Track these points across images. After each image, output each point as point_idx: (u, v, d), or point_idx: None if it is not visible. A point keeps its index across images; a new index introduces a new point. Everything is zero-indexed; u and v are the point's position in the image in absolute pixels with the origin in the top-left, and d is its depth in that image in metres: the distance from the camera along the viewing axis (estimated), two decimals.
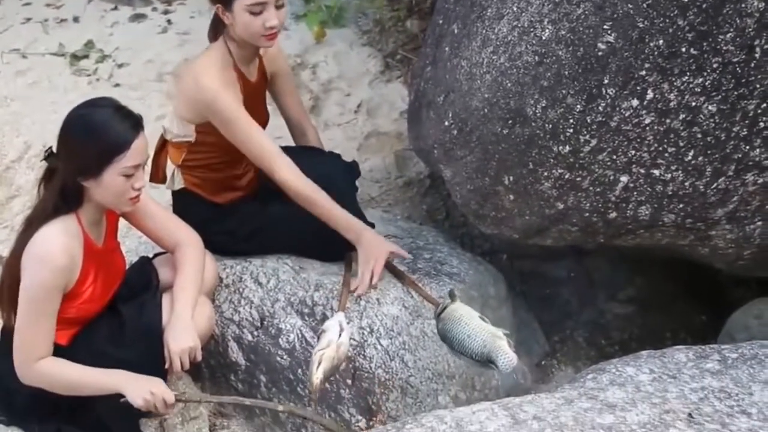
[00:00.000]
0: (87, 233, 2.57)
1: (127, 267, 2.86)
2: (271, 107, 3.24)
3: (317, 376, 2.51)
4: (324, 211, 2.93)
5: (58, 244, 2.47)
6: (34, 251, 2.48)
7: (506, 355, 2.40)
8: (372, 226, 3.07)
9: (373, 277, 2.88)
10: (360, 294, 2.90)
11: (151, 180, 3.14)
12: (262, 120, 3.12)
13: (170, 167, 3.07)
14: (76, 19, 5.14)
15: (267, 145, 2.92)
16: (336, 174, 3.17)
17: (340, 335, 2.58)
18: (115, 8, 5.25)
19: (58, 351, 2.58)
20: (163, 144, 3.10)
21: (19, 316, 2.53)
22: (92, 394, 2.59)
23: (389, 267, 3.02)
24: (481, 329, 2.48)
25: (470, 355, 2.49)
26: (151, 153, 3.08)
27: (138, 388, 2.53)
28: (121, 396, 2.54)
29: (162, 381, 2.59)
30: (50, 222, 2.49)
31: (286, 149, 3.28)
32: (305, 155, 3.21)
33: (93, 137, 2.44)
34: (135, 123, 2.48)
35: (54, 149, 2.51)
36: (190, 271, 2.75)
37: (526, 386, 3.14)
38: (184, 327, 2.63)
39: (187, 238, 2.81)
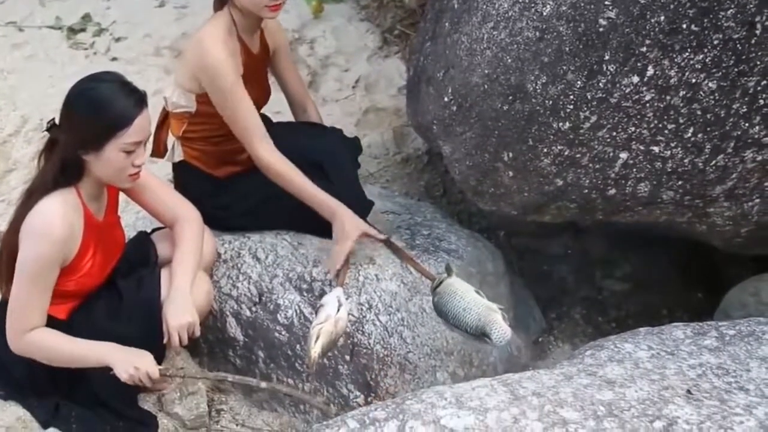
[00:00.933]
0: (87, 206, 2.56)
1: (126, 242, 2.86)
2: (272, 83, 3.23)
3: (315, 350, 2.51)
4: (298, 189, 2.93)
5: (57, 216, 2.46)
6: (32, 223, 2.47)
7: (500, 328, 2.42)
8: (371, 203, 3.07)
9: (341, 258, 2.87)
10: (330, 273, 2.89)
11: (153, 154, 3.13)
12: (264, 93, 3.12)
13: (171, 139, 3.07)
14: None
15: (252, 121, 2.91)
16: (338, 150, 3.16)
17: (338, 310, 2.59)
18: None
19: (57, 325, 2.58)
20: (164, 118, 3.09)
21: (14, 286, 2.52)
22: (81, 366, 2.59)
23: (386, 243, 3.02)
24: (477, 303, 2.49)
25: (465, 329, 2.50)
26: (153, 127, 3.11)
27: (124, 362, 2.54)
28: (111, 369, 2.55)
29: (150, 355, 2.59)
30: (50, 194, 2.48)
31: (287, 125, 3.28)
32: (306, 131, 3.21)
33: (96, 111, 2.43)
34: (139, 99, 2.46)
35: (56, 121, 2.50)
36: (189, 245, 2.75)
37: (521, 361, 3.16)
38: (182, 302, 2.63)
39: (186, 213, 2.80)
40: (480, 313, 2.46)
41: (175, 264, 2.71)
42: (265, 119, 3.26)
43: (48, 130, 2.52)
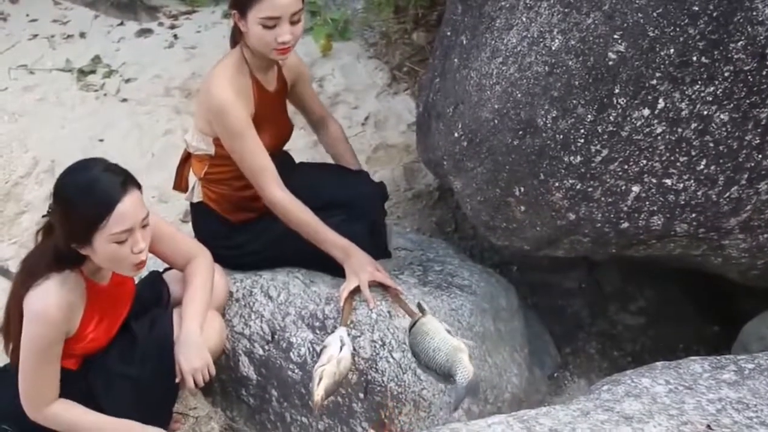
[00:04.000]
0: (90, 279, 2.53)
1: (137, 282, 2.84)
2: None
3: (318, 392, 2.49)
4: (309, 229, 2.92)
5: (53, 300, 2.42)
6: (31, 307, 2.43)
7: (464, 368, 2.36)
8: (389, 254, 3.11)
9: (343, 295, 2.87)
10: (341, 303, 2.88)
11: (174, 188, 3.18)
12: (283, 130, 3.12)
13: (192, 179, 3.08)
14: (82, 35, 5.16)
15: (259, 161, 2.90)
16: (365, 192, 3.13)
17: (341, 350, 2.57)
18: (122, 23, 5.28)
19: (69, 375, 2.57)
20: (187, 156, 3.10)
21: (21, 365, 2.51)
22: None
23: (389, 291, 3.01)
24: (445, 342, 2.44)
25: (435, 369, 2.46)
26: (177, 162, 3.16)
27: None
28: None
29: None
30: (51, 277, 2.43)
31: (312, 165, 3.29)
32: (333, 171, 3.19)
33: (77, 202, 2.34)
34: (122, 183, 2.35)
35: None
36: (199, 284, 2.73)
37: (530, 391, 3.12)
38: (194, 345, 2.61)
39: (196, 253, 2.79)
40: (448, 353, 2.41)
41: (186, 303, 2.70)
42: (288, 159, 3.28)
43: (48, 215, 2.46)
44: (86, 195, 2.33)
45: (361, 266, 2.88)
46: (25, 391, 2.53)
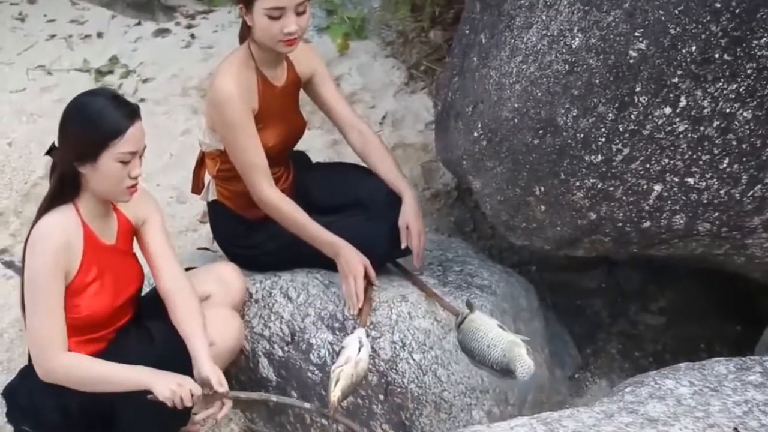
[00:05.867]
0: (87, 224, 2.57)
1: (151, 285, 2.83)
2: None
3: (335, 393, 2.49)
4: (299, 227, 2.92)
5: (52, 228, 2.51)
6: (31, 240, 2.51)
7: (524, 362, 2.37)
8: (387, 258, 3.07)
9: (359, 295, 2.85)
10: (353, 311, 2.87)
11: (192, 191, 3.21)
12: (293, 127, 3.09)
13: (207, 178, 3.08)
14: (100, 35, 5.16)
15: (252, 157, 2.88)
16: (385, 196, 3.04)
17: (359, 351, 2.56)
18: (139, 23, 5.28)
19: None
20: (202, 157, 3.10)
21: (27, 312, 2.52)
22: (117, 390, 2.53)
23: (409, 277, 3.01)
24: (501, 338, 2.45)
25: (491, 365, 2.46)
26: (194, 162, 3.16)
27: (165, 381, 2.49)
28: (147, 394, 2.50)
29: (190, 378, 2.54)
30: (48, 213, 2.53)
31: (329, 164, 3.25)
32: (351, 170, 3.17)
33: (89, 123, 2.48)
34: (131, 111, 2.51)
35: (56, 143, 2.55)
36: (193, 313, 2.66)
37: (551, 392, 3.10)
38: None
39: (180, 285, 2.70)
40: (504, 348, 2.43)
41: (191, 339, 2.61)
42: (304, 158, 3.26)
43: (49, 153, 2.57)
44: (102, 115, 2.48)
45: (349, 264, 2.87)
46: (32, 342, 2.53)
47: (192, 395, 2.49)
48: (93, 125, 2.47)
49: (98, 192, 2.55)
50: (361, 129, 3.12)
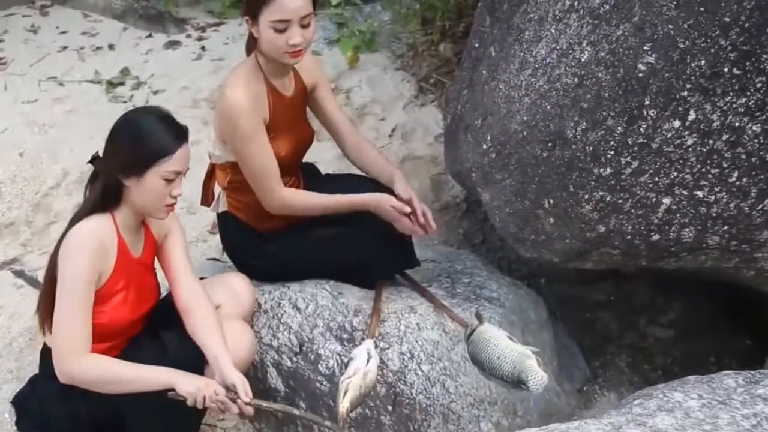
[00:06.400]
0: (122, 235, 2.61)
1: (165, 294, 2.84)
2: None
3: (343, 405, 2.49)
4: (323, 206, 3.00)
5: (93, 230, 2.55)
6: (67, 243, 2.54)
7: (536, 374, 2.37)
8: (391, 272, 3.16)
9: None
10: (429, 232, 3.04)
11: (202, 204, 3.22)
12: (303, 136, 3.10)
13: (217, 189, 3.09)
14: (111, 47, 5.21)
15: (270, 166, 2.91)
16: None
17: (367, 362, 2.56)
18: (150, 35, 5.32)
19: None
20: (212, 169, 3.11)
21: (56, 312, 2.54)
22: (139, 390, 2.53)
23: (418, 289, 3.00)
24: (511, 350, 2.45)
25: (501, 377, 2.45)
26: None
27: (191, 379, 2.51)
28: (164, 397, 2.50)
29: (214, 381, 2.55)
30: (86, 219, 2.56)
31: (337, 176, 3.29)
32: (362, 184, 3.16)
33: (140, 140, 2.54)
34: (181, 132, 2.58)
35: (100, 153, 2.59)
36: (215, 326, 2.67)
37: (560, 405, 3.10)
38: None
39: (199, 298, 2.72)
40: (515, 360, 2.42)
41: (214, 347, 2.62)
42: (313, 170, 3.27)
43: (91, 161, 2.62)
44: (154, 132, 2.55)
45: (393, 206, 2.97)
46: (57, 340, 2.54)
47: (216, 395, 2.50)
48: (143, 143, 2.54)
49: (138, 206, 2.60)
50: (357, 140, 3.20)
